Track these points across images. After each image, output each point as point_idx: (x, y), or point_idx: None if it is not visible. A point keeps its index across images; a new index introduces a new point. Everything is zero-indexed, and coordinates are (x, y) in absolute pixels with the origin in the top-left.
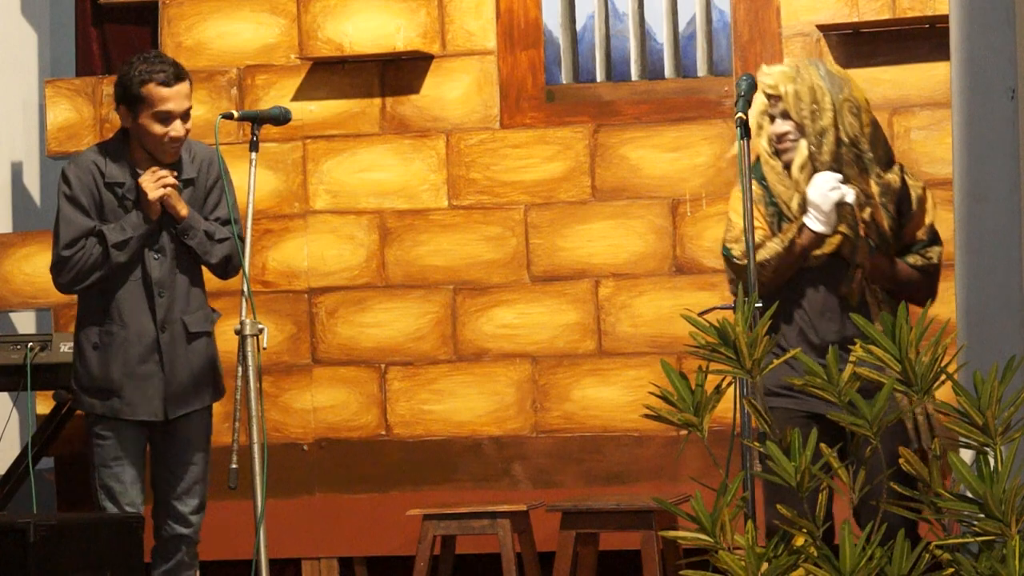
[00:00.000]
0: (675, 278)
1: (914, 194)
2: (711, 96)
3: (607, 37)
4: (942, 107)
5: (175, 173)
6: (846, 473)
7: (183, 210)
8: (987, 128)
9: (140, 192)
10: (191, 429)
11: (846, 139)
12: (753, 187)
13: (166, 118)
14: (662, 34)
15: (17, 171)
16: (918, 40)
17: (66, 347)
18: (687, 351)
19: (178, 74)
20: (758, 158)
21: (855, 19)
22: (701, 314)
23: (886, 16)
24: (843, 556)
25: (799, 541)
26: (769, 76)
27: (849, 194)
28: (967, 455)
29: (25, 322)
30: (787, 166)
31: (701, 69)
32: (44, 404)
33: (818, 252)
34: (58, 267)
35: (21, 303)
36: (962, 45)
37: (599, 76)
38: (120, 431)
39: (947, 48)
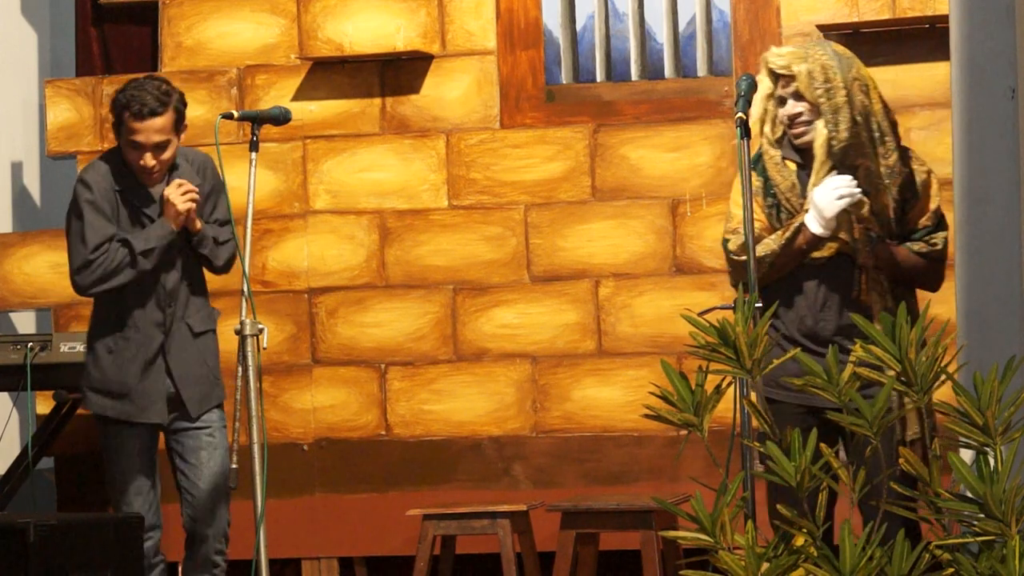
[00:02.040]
0: (675, 278)
1: (919, 179)
2: (711, 96)
3: (607, 37)
4: (942, 107)
5: (196, 187)
6: (846, 473)
7: (199, 223)
8: (987, 128)
9: (164, 202)
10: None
11: (859, 118)
12: (752, 179)
13: (138, 147)
14: (662, 34)
15: (17, 171)
16: (918, 40)
17: (66, 347)
18: (687, 351)
19: (153, 109)
20: (758, 149)
21: (855, 19)
22: (701, 314)
23: (886, 16)
24: (843, 556)
25: (799, 541)
26: (780, 57)
27: (855, 200)
28: (967, 455)
29: (25, 322)
30: (799, 149)
31: (701, 69)
32: (44, 404)
33: (818, 254)
34: (83, 269)
35: (21, 303)
36: (962, 45)
37: (599, 76)
38: (127, 436)
39: (947, 48)
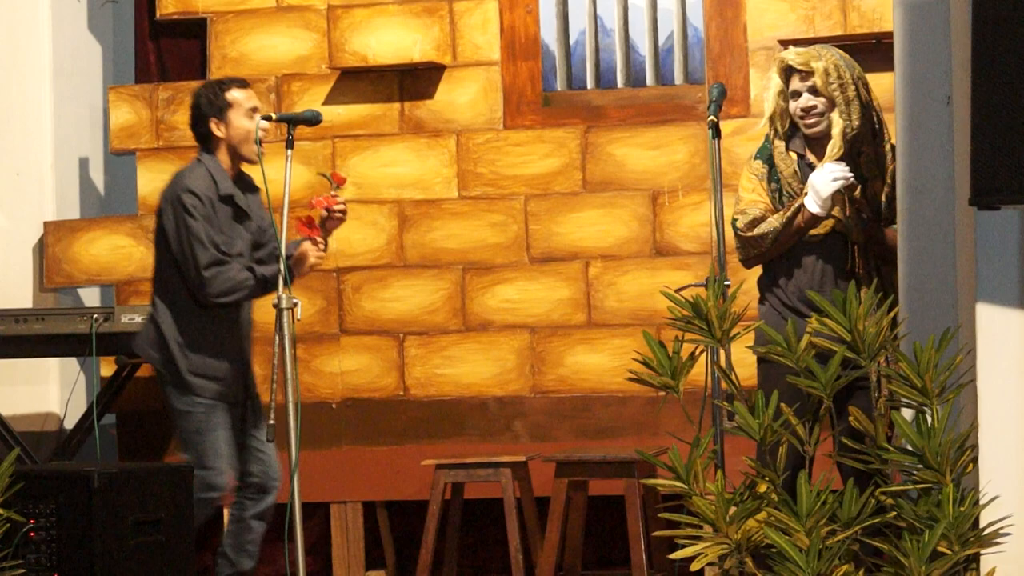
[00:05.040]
0: (655, 259)
1: None
2: (687, 102)
3: (596, 50)
4: (887, 111)
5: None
6: (803, 429)
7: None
8: (926, 130)
9: (299, 254)
10: None
11: (864, 110)
12: (758, 166)
13: (253, 113)
14: (644, 47)
15: (84, 165)
16: (866, 53)
17: (126, 318)
18: (665, 323)
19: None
20: (766, 140)
21: (811, 35)
22: (678, 291)
23: (838, 32)
24: (800, 501)
25: (762, 488)
26: (799, 56)
27: (848, 182)
28: (908, 413)
29: (90, 297)
30: (807, 140)
31: (678, 78)
32: (107, 368)
33: (815, 232)
34: (212, 266)
35: (87, 280)
36: (904, 58)
37: (589, 84)
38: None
39: (891, 61)
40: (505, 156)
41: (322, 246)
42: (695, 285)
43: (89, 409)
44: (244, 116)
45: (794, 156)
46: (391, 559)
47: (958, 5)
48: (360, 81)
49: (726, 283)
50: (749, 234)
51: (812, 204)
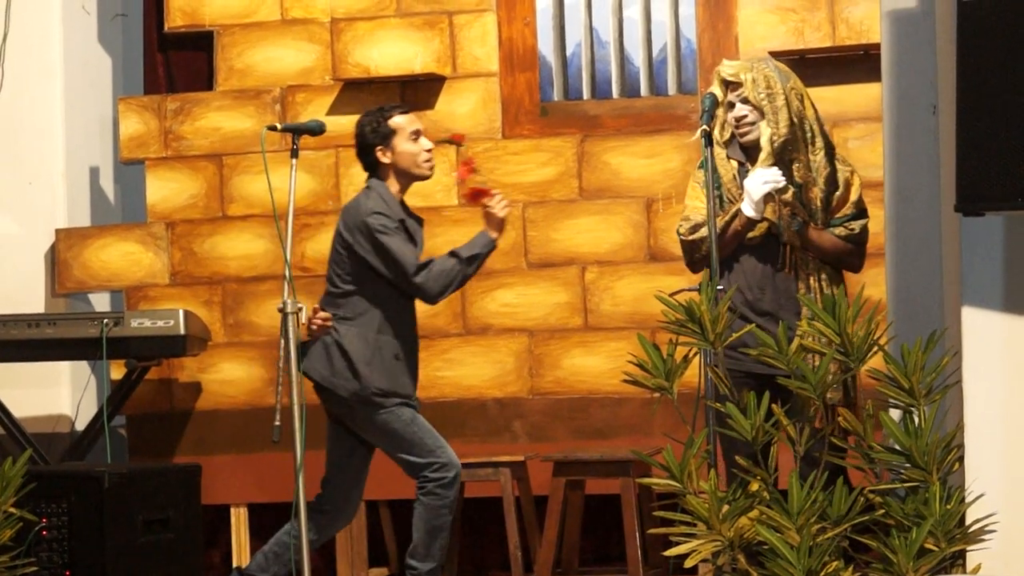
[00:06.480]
0: (649, 265)
1: (841, 176)
2: (680, 112)
3: (592, 61)
4: (875, 121)
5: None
6: (794, 429)
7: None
8: (913, 138)
9: (485, 215)
10: None
11: (795, 119)
12: (700, 175)
13: (417, 136)
14: (638, 59)
15: (95, 174)
16: (854, 64)
17: (136, 322)
18: (660, 326)
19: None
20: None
21: (801, 47)
22: (672, 295)
23: (827, 44)
24: (791, 499)
25: (754, 487)
26: (730, 67)
27: (778, 186)
28: (895, 414)
29: (100, 302)
30: (743, 148)
31: (671, 89)
32: (117, 371)
33: (752, 234)
34: (423, 291)
35: (98, 285)
36: (891, 69)
37: (585, 94)
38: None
39: (879, 71)
40: (504, 165)
41: (498, 198)
42: (689, 289)
43: (100, 411)
44: (408, 140)
45: (735, 164)
46: (394, 556)
47: (943, 18)
48: (362, 92)
49: (719, 288)
50: (691, 238)
51: (747, 208)
